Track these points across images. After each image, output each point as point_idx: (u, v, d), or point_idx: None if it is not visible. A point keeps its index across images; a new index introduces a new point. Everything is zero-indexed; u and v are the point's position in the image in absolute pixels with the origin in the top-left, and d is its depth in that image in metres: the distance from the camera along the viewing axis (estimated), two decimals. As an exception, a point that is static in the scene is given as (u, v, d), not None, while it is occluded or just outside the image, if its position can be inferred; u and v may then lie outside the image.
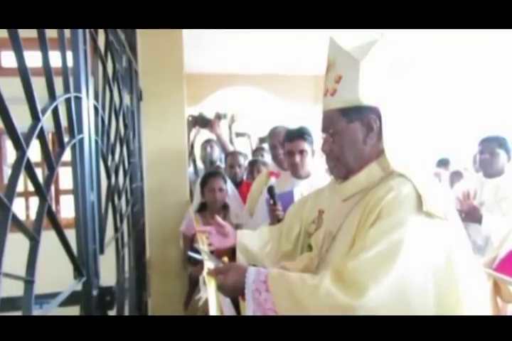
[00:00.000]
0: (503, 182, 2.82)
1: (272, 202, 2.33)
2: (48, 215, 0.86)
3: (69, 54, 1.07)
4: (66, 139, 1.01)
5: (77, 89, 1.09)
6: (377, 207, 1.15)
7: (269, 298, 1.12)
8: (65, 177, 3.74)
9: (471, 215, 2.66)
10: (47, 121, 0.82)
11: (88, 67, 1.17)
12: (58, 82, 0.92)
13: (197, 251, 1.48)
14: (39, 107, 0.79)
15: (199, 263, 1.89)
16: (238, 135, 5.01)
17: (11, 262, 0.74)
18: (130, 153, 2.19)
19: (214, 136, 4.23)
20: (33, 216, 0.89)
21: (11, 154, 3.84)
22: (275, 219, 2.26)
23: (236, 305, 1.40)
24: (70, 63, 1.06)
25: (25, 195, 4.00)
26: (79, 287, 1.09)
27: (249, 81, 6.34)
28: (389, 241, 1.09)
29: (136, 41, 2.78)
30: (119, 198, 1.79)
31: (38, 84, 0.79)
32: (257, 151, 4.43)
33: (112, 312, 1.35)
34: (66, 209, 4.21)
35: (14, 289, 0.84)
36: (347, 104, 1.25)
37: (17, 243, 0.81)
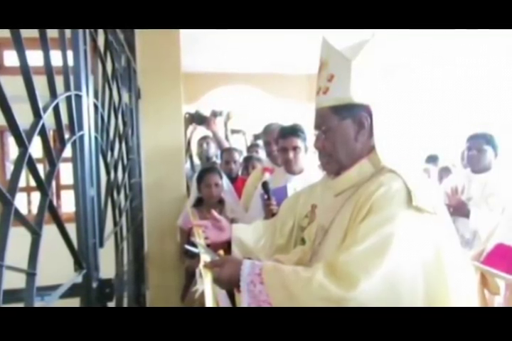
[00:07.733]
0: (490, 178, 2.85)
1: (266, 197, 2.35)
2: (49, 210, 0.87)
3: (69, 53, 1.08)
4: (67, 136, 1.02)
5: (78, 87, 1.10)
6: (368, 202, 1.16)
7: (264, 290, 1.13)
8: (66, 172, 3.78)
9: (459, 210, 2.69)
10: (48, 119, 0.83)
11: (88, 66, 1.19)
12: (59, 81, 0.94)
13: (194, 245, 1.48)
14: (40, 105, 0.81)
15: (196, 257, 1.90)
16: (233, 132, 5.04)
17: (14, 255, 0.76)
18: (129, 149, 2.20)
19: (210, 132, 4.25)
20: (34, 210, 0.90)
21: (13, 151, 3.87)
22: (269, 214, 2.27)
23: (231, 297, 1.41)
24: (70, 62, 1.07)
25: (27, 190, 4.03)
26: (79, 279, 1.10)
27: (244, 80, 6.36)
28: (379, 235, 1.10)
29: (135, 41, 2.79)
30: (118, 193, 1.80)
31: (40, 83, 0.80)
32: (252, 148, 4.46)
33: (111, 304, 1.36)
34: (67, 203, 4.25)
35: (17, 281, 0.86)
36: (339, 102, 1.25)
37: (19, 237, 0.83)
